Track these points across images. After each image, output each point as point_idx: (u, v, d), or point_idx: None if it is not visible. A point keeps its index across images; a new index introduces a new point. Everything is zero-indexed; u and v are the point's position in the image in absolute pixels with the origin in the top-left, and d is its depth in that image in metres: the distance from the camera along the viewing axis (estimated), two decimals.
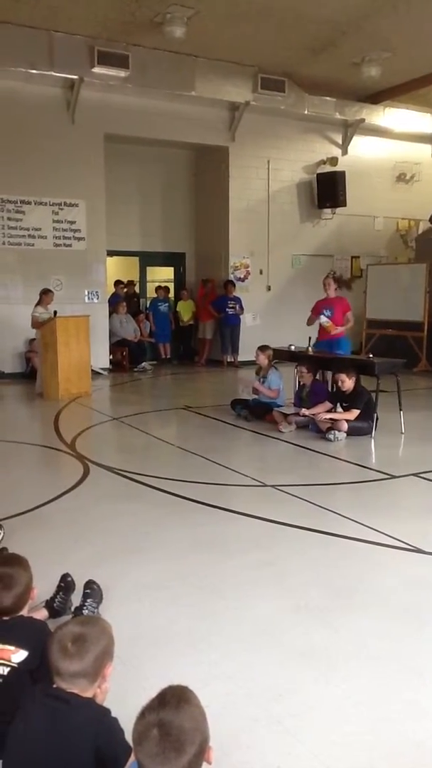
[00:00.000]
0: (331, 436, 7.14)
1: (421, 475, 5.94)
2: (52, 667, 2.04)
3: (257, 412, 8.13)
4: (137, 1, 9.68)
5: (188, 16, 10.04)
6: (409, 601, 3.53)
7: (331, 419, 7.32)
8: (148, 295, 14.71)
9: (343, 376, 7.40)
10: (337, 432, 7.17)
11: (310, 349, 8.65)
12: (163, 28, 10.24)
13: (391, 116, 14.39)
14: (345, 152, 14.57)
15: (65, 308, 10.68)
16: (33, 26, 10.49)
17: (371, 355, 8.62)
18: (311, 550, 4.24)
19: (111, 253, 13.18)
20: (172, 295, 14.56)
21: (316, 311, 9.06)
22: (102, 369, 12.27)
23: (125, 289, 13.82)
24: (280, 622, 3.30)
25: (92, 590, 3.35)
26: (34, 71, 10.92)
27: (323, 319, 8.84)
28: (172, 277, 15.04)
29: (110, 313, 12.92)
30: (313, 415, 7.44)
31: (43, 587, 3.18)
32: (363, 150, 14.80)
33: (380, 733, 2.48)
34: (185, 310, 14.17)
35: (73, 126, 11.87)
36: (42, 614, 3.15)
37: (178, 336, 14.37)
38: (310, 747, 2.40)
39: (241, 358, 13.39)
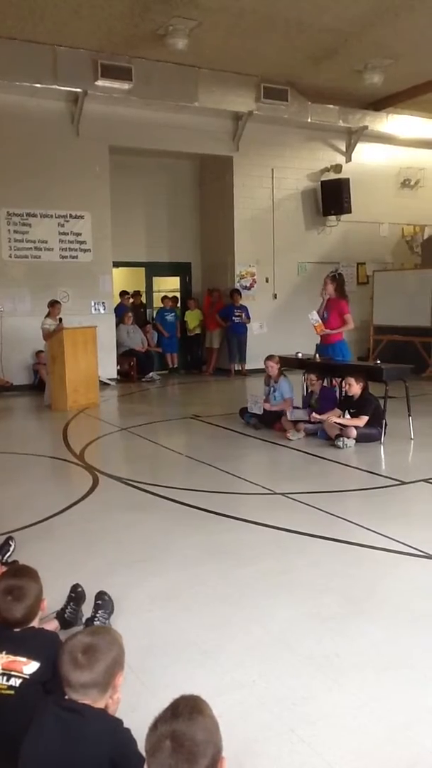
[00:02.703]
0: (340, 443, 7.12)
1: (431, 480, 5.92)
2: (63, 679, 2.03)
3: (266, 420, 8.11)
4: (140, 14, 9.75)
5: (191, 28, 10.10)
6: (423, 608, 3.50)
7: (339, 425, 7.30)
8: (154, 305, 14.75)
9: (351, 380, 7.38)
10: (345, 439, 7.15)
11: (317, 356, 8.64)
12: (166, 40, 10.30)
13: (394, 123, 14.41)
14: (349, 159, 14.59)
15: (72, 319, 10.72)
16: (37, 41, 10.59)
17: (379, 362, 8.57)
18: (322, 558, 4.22)
19: (117, 264, 13.23)
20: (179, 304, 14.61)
21: (321, 312, 8.86)
22: (110, 380, 12.29)
23: (131, 300, 13.86)
24: (294, 630, 3.28)
25: (103, 601, 3.34)
26: (38, 85, 11.02)
27: (312, 318, 8.62)
28: (178, 287, 15.08)
29: (117, 324, 12.97)
30: (323, 420, 7.42)
31: (54, 598, 3.18)
32: (367, 157, 14.82)
33: (396, 742, 2.45)
34: (192, 319, 14.19)
35: (78, 138, 11.95)
36: (53, 625, 3.14)
37: (185, 345, 14.40)
38: (325, 756, 2.37)
39: (248, 366, 13.41)
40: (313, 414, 7.59)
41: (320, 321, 8.61)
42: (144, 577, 3.91)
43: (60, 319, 10.24)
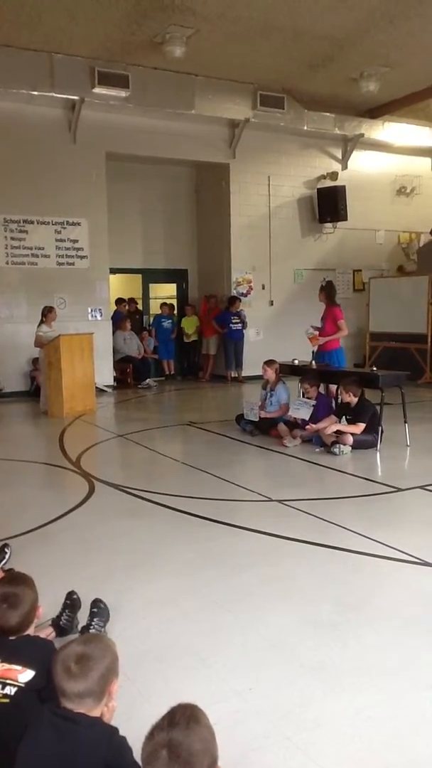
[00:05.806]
0: (336, 450, 7.12)
1: (427, 487, 5.91)
2: (57, 688, 2.02)
3: (262, 427, 8.11)
4: (137, 21, 9.79)
5: (187, 36, 10.13)
6: (418, 614, 3.50)
7: (336, 432, 7.29)
8: (151, 312, 14.75)
9: (348, 392, 7.41)
10: (342, 445, 7.15)
11: (313, 363, 8.67)
12: (163, 47, 10.34)
13: (390, 130, 14.47)
14: (345, 167, 14.65)
15: (69, 326, 10.73)
16: (34, 49, 10.61)
17: (375, 368, 8.60)
18: (319, 565, 4.21)
19: (114, 271, 13.24)
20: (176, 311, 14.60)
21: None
22: (106, 386, 12.28)
23: (127, 307, 13.86)
24: (290, 637, 3.27)
25: (99, 609, 3.32)
26: (35, 93, 11.02)
27: (308, 332, 8.98)
28: (174, 293, 15.09)
29: (114, 331, 12.96)
30: (319, 429, 7.41)
31: (49, 605, 3.16)
32: (363, 164, 14.89)
33: (393, 749, 2.45)
34: (189, 326, 14.20)
35: (75, 146, 11.99)
36: (48, 633, 3.13)
37: (182, 352, 14.40)
38: (321, 763, 2.37)
39: (244, 373, 13.43)
40: (309, 425, 7.56)
41: (315, 333, 8.86)
42: (140, 584, 3.90)
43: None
